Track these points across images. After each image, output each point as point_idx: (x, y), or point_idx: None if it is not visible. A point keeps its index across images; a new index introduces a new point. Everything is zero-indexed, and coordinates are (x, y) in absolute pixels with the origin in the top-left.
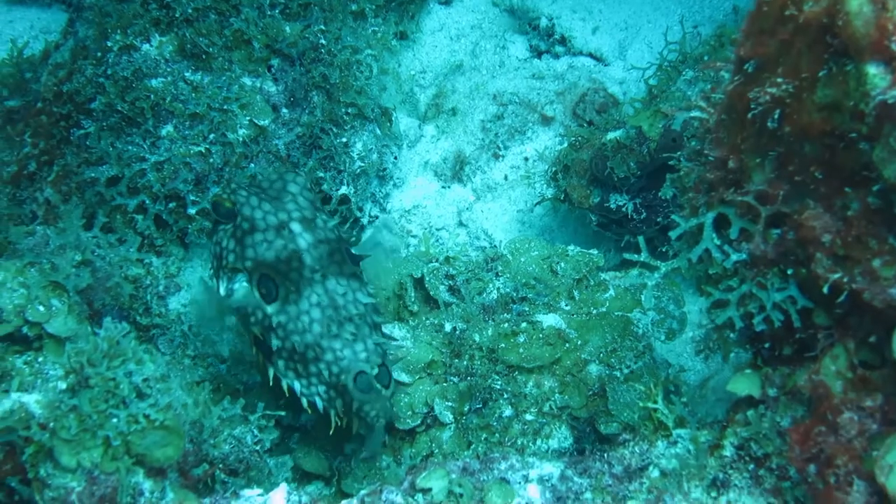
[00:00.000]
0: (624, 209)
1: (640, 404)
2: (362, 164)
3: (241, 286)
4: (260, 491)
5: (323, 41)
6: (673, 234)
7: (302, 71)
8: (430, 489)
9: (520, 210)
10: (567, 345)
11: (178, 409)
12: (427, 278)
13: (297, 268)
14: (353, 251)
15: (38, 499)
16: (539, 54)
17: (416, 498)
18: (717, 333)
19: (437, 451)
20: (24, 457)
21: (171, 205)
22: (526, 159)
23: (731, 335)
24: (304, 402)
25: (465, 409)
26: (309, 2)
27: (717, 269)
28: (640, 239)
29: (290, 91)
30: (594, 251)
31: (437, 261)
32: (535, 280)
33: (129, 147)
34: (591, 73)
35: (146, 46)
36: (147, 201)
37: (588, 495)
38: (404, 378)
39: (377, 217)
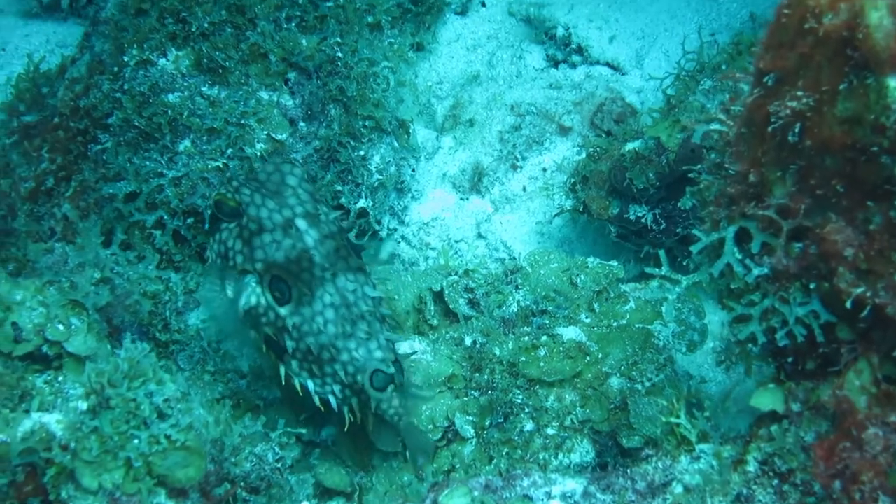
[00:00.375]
0: (643, 220)
1: (663, 419)
2: (380, 177)
3: (252, 289)
4: None
5: (339, 54)
6: (694, 249)
7: (319, 84)
8: None
9: (538, 221)
10: (588, 358)
11: (199, 429)
12: (447, 292)
13: (308, 268)
14: (354, 242)
15: None
16: (556, 64)
17: None
18: (740, 347)
19: (458, 466)
20: (45, 478)
21: (189, 220)
22: (544, 170)
23: (754, 349)
24: (317, 399)
25: (487, 423)
26: (325, 14)
27: (739, 283)
28: (661, 253)
29: (308, 104)
30: (614, 263)
31: (456, 274)
32: (555, 293)
33: (147, 163)
34: (608, 82)
35: (163, 61)
36: (165, 217)
37: None
38: (425, 392)
39: (395, 230)
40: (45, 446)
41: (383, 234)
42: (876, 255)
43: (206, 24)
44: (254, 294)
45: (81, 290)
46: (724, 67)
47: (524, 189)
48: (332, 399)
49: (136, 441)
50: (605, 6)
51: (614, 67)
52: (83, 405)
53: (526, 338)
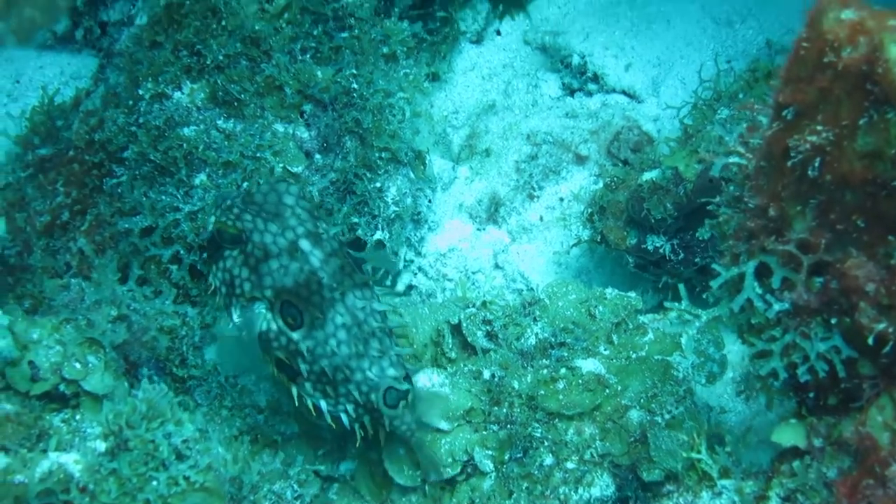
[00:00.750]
0: (661, 250)
1: (684, 454)
2: (397, 209)
3: (263, 316)
4: None
5: (355, 85)
6: (714, 284)
7: (334, 116)
8: None
9: (556, 251)
10: (607, 390)
11: (217, 468)
12: (464, 324)
13: (318, 290)
14: (355, 255)
15: None
16: (572, 92)
17: None
18: (761, 382)
19: (477, 500)
20: None
21: (205, 254)
22: (561, 199)
23: (775, 383)
24: (329, 418)
25: (506, 457)
26: (340, 45)
27: (760, 318)
28: (681, 287)
29: (323, 136)
30: (632, 294)
31: (473, 306)
32: (574, 324)
33: (163, 197)
34: (624, 110)
35: (178, 94)
36: (182, 251)
37: None
38: (443, 425)
39: (412, 261)
40: (63, 487)
41: (400, 265)
42: None
43: (220, 57)
44: (265, 321)
45: (98, 327)
46: (741, 96)
47: (541, 219)
48: (344, 417)
49: (154, 483)
50: (621, 34)
51: (630, 95)
52: (101, 445)
53: (545, 370)
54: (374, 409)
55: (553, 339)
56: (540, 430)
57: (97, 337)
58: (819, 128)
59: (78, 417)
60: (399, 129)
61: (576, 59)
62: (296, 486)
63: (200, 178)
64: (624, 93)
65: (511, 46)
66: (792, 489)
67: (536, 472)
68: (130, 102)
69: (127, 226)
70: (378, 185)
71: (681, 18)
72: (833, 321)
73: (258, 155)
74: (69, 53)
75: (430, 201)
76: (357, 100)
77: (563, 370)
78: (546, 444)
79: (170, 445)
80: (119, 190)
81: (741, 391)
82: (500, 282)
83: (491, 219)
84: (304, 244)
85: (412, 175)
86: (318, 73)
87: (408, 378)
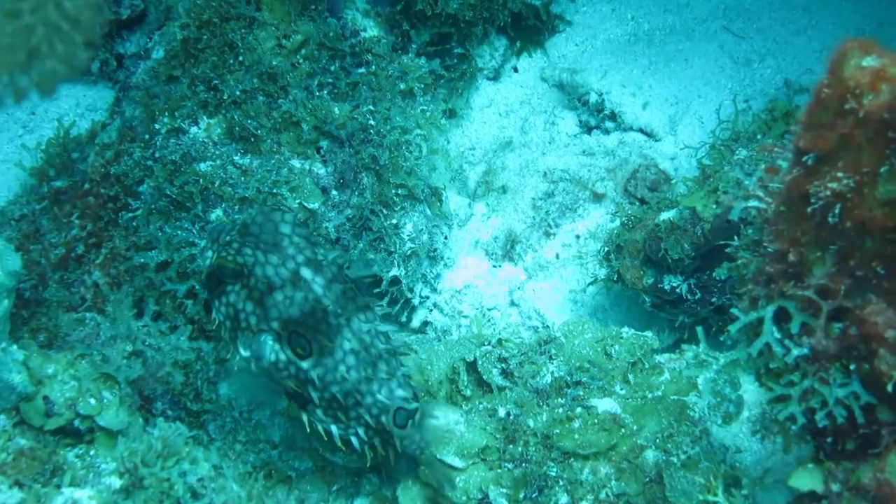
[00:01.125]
0: (678, 290)
1: (700, 497)
2: (413, 246)
3: (270, 347)
4: None
5: (372, 122)
6: (732, 328)
7: (351, 152)
8: None
9: (572, 289)
10: (623, 430)
11: None
12: (480, 362)
13: (324, 318)
14: (347, 273)
15: None
16: (589, 130)
17: None
18: (779, 426)
19: None
20: None
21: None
22: (577, 237)
23: (793, 428)
24: (339, 441)
25: (521, 496)
26: (357, 81)
27: (778, 363)
28: (699, 330)
29: (340, 173)
30: (648, 333)
31: (489, 343)
32: (590, 363)
33: (179, 232)
34: (641, 148)
35: (194, 129)
36: (197, 287)
37: None
38: (458, 463)
39: (428, 297)
40: None
41: (416, 302)
42: None
43: (237, 92)
44: (273, 352)
45: (113, 363)
46: (759, 136)
47: (557, 256)
48: (354, 440)
49: None
50: (639, 72)
51: (648, 134)
52: (116, 482)
53: (560, 409)
54: (384, 431)
55: (569, 378)
56: (555, 469)
57: (112, 373)
58: (840, 174)
59: (92, 453)
60: (416, 165)
61: (593, 97)
62: None
63: (216, 214)
64: (641, 131)
65: (528, 83)
66: None
67: None
68: (147, 136)
69: (142, 260)
70: (394, 221)
71: (699, 57)
72: (852, 367)
73: (275, 191)
74: (84, 85)
75: (446, 238)
76: (374, 136)
77: (578, 409)
78: (561, 483)
79: (185, 484)
80: (134, 224)
81: (756, 430)
82: (516, 319)
83: (507, 256)
84: (306, 272)
85: (428, 212)
86: (336, 110)
87: (415, 396)
